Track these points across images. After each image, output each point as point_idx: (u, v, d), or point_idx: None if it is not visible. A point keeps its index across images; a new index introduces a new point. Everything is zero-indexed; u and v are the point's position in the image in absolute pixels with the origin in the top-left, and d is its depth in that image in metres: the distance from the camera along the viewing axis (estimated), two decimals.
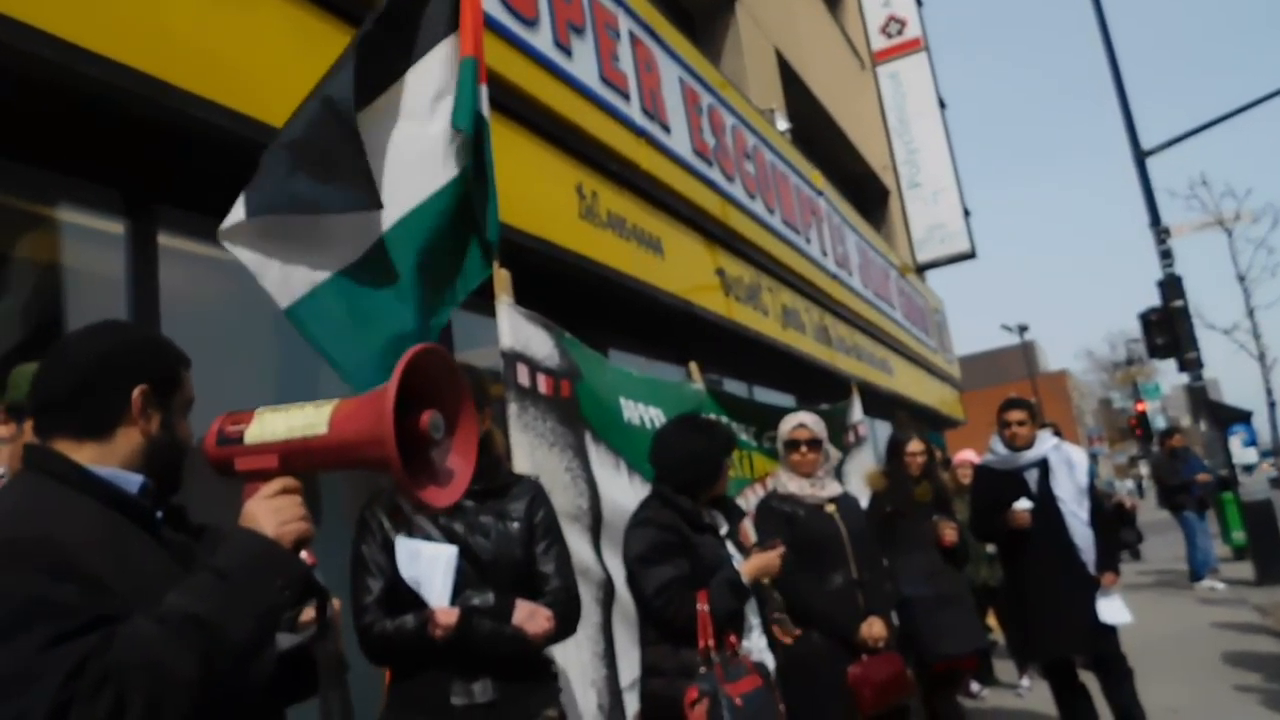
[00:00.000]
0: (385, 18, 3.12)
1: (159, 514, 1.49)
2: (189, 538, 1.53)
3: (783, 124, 10.46)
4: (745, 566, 3.18)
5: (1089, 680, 4.68)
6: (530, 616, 2.37)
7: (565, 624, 2.52)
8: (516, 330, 3.38)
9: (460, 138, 3.14)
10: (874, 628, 3.81)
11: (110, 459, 1.43)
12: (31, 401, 1.49)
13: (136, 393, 1.45)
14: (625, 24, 6.45)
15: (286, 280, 2.96)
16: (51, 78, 2.77)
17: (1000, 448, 4.86)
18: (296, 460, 1.42)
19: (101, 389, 1.44)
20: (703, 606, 3.02)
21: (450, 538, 2.42)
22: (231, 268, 3.85)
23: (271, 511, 1.38)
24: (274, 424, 1.43)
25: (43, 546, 1.25)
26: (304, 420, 1.41)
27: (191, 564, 1.39)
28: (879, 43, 18.41)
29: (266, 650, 1.50)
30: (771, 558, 3.22)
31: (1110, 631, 4.54)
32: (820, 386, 9.42)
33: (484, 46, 3.32)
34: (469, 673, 2.33)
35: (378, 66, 3.09)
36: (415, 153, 3.14)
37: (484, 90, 3.20)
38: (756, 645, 3.25)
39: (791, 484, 4.06)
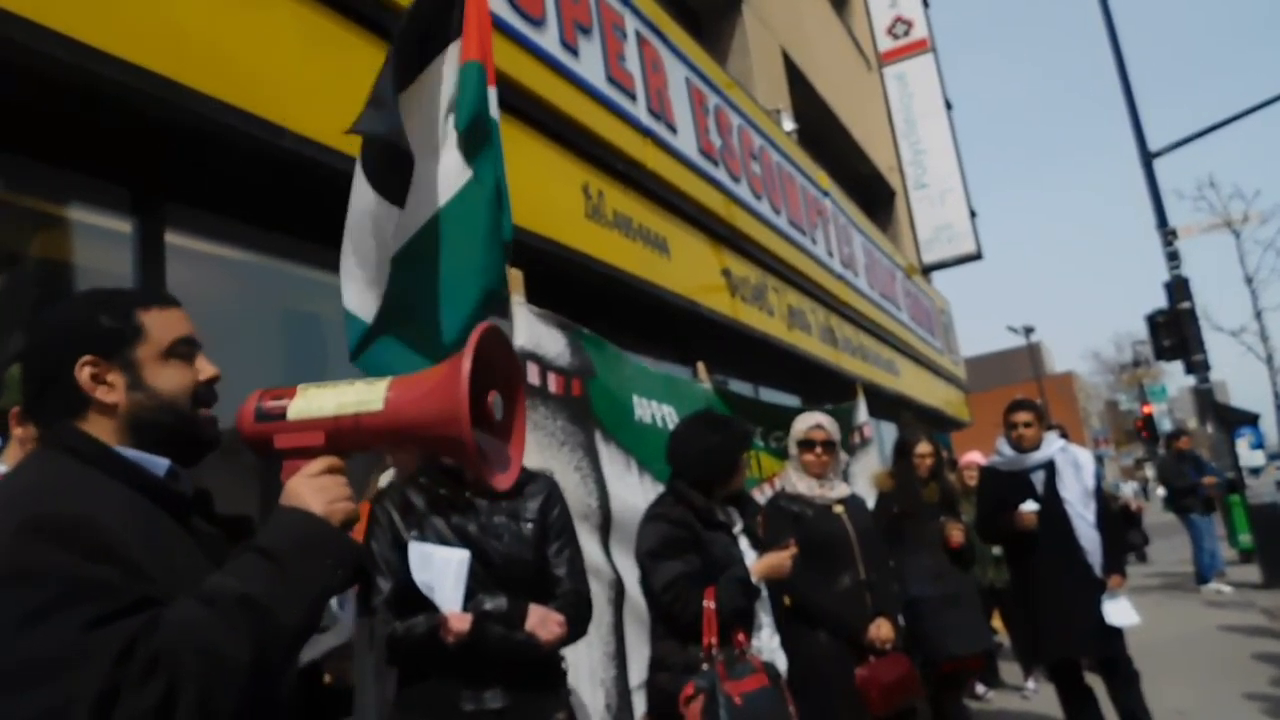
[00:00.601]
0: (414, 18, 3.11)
1: (188, 500, 1.39)
2: (219, 531, 1.44)
3: (789, 124, 10.45)
4: (756, 566, 3.18)
5: (1095, 683, 4.67)
6: (542, 622, 2.35)
7: (576, 627, 2.50)
8: (529, 329, 3.39)
9: (461, 140, 3.13)
10: (882, 629, 3.81)
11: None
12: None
13: (80, 371, 1.32)
14: (632, 24, 6.44)
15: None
16: (62, 76, 2.77)
17: (1007, 449, 4.85)
18: (344, 438, 1.36)
19: (50, 378, 1.34)
20: (709, 603, 3.02)
21: (463, 538, 2.40)
22: (239, 267, 3.87)
23: (319, 489, 1.31)
24: (321, 400, 1.37)
25: (78, 524, 1.16)
26: (356, 397, 1.36)
27: (222, 560, 1.28)
28: (885, 44, 18.38)
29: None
30: (783, 557, 3.22)
31: (1117, 634, 4.53)
32: (826, 387, 9.40)
33: (491, 48, 3.32)
34: (479, 678, 2.31)
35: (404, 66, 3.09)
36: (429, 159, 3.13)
37: (493, 93, 3.19)
38: (767, 645, 3.25)
39: (800, 484, 4.06)
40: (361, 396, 1.36)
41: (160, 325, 1.39)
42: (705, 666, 2.95)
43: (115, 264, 3.34)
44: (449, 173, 3.01)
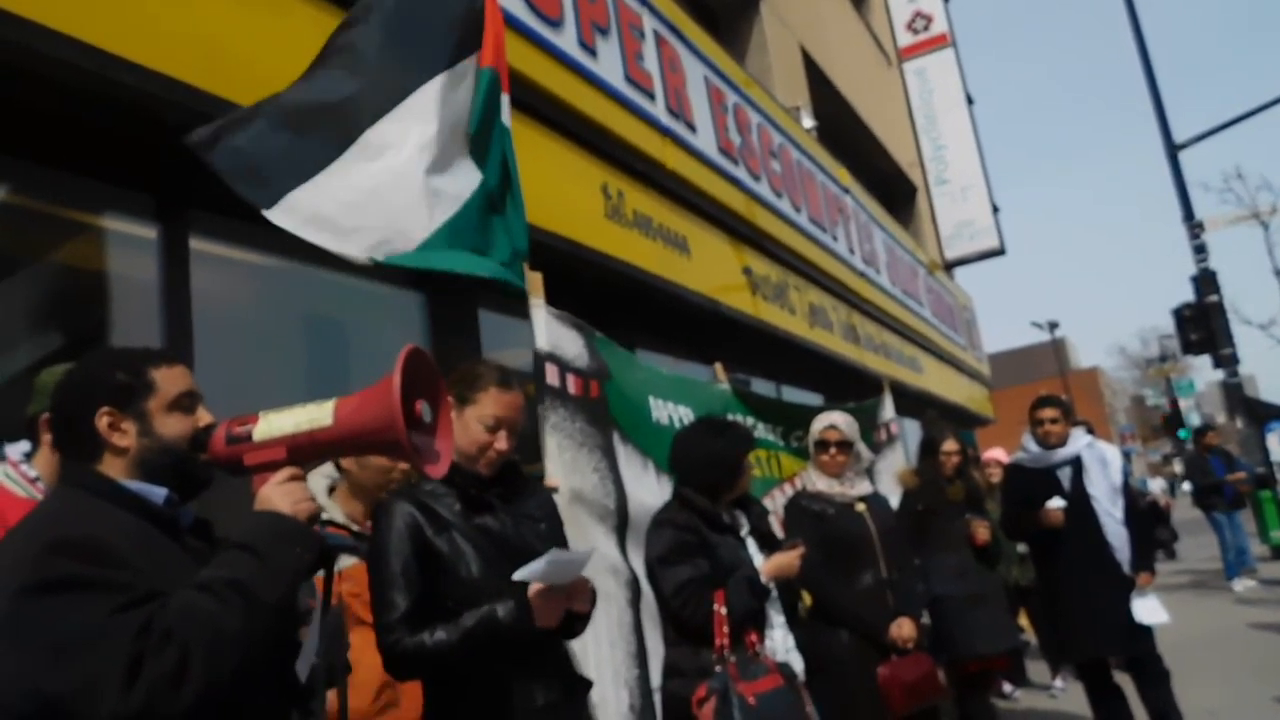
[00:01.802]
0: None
1: (185, 524, 1.66)
2: (209, 547, 1.66)
3: (809, 121, 10.41)
4: (765, 566, 3.17)
5: (1124, 682, 4.62)
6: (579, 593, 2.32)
7: (583, 623, 2.48)
8: (549, 331, 3.39)
9: (470, 142, 3.15)
10: (904, 628, 3.79)
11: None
12: None
13: (99, 419, 1.58)
14: (650, 23, 6.44)
15: (361, 233, 2.96)
16: (85, 85, 2.80)
17: (1033, 446, 4.80)
18: (302, 451, 1.62)
19: (74, 423, 1.60)
20: (719, 607, 3.02)
21: (490, 537, 2.38)
22: (261, 271, 3.90)
23: (285, 494, 1.58)
24: (280, 421, 1.61)
25: (92, 541, 1.43)
26: (308, 416, 1.61)
27: None
28: (905, 39, 18.25)
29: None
30: (791, 557, 3.20)
31: (1146, 632, 4.47)
32: (849, 385, 9.36)
33: (507, 48, 3.33)
34: (529, 676, 2.26)
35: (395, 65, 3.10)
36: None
37: (506, 99, 3.20)
38: (781, 645, 3.24)
39: (820, 482, 4.05)
40: (313, 415, 1.62)
41: (168, 381, 1.66)
42: (718, 669, 2.94)
43: (141, 270, 3.38)
44: (464, 172, 3.06)
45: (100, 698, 1.29)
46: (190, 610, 1.40)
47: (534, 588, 2.19)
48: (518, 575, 2.17)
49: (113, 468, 1.59)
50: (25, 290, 3.16)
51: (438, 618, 2.24)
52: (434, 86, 3.16)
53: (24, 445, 2.29)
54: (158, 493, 1.61)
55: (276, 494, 1.59)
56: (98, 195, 3.29)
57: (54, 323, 3.20)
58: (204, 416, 1.68)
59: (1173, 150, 13.02)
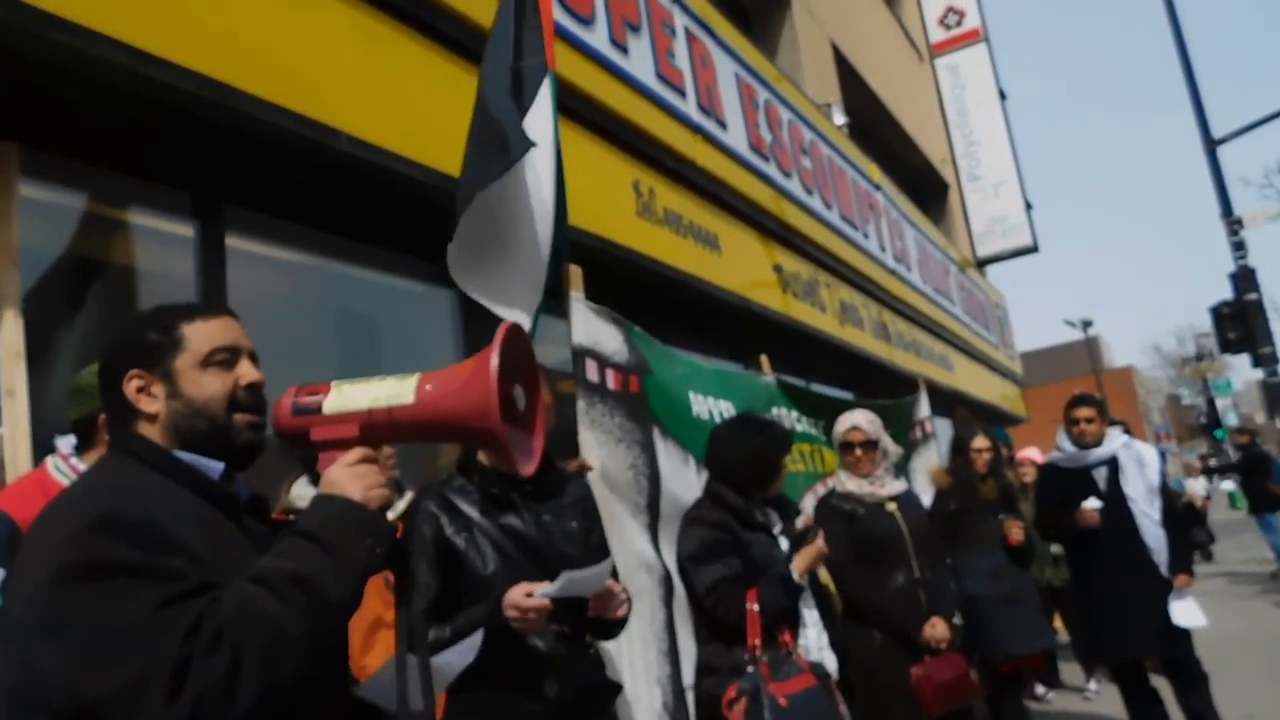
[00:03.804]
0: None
1: (244, 500, 1.49)
2: (270, 529, 1.50)
3: (840, 118, 10.34)
4: (795, 562, 3.16)
5: (1161, 684, 4.56)
6: (607, 601, 2.33)
7: (620, 624, 2.48)
8: (587, 326, 3.39)
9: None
10: (937, 628, 3.76)
11: None
12: None
13: (128, 384, 1.42)
14: (681, 20, 6.43)
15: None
16: (123, 83, 2.84)
17: (1068, 445, 4.75)
18: (377, 431, 1.43)
19: (109, 389, 1.45)
20: (752, 605, 3.01)
21: (515, 538, 2.39)
22: (297, 269, 3.93)
23: (356, 477, 1.39)
24: (355, 395, 1.44)
25: (142, 520, 1.26)
26: (386, 391, 1.43)
27: None
28: (937, 34, 18.07)
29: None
30: (818, 546, 3.18)
31: (1184, 634, 4.41)
32: (879, 383, 9.30)
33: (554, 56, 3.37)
34: (538, 677, 2.28)
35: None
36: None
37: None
38: (815, 644, 3.22)
39: (850, 483, 4.03)
40: (393, 391, 1.43)
41: (200, 335, 1.46)
42: (750, 669, 2.93)
43: (179, 267, 3.42)
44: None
45: (141, 706, 1.14)
46: (246, 608, 1.22)
47: (514, 593, 2.19)
48: (536, 594, 2.17)
49: (149, 436, 1.42)
50: (66, 287, 3.21)
51: (454, 613, 2.28)
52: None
53: (72, 439, 2.33)
54: (214, 466, 1.43)
55: (346, 476, 1.39)
56: (137, 193, 3.33)
57: (95, 320, 3.25)
58: (249, 373, 1.48)
59: (1211, 145, 12.81)
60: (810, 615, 3.28)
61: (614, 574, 2.51)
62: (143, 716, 1.14)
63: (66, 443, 2.30)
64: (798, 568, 3.14)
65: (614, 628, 2.47)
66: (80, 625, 1.17)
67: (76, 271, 3.25)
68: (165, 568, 1.23)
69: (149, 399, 1.42)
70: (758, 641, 2.97)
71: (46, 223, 3.08)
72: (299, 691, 1.27)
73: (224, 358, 1.47)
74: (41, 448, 2.45)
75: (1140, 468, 4.55)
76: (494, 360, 1.39)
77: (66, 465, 2.26)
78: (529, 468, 1.54)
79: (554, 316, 3.41)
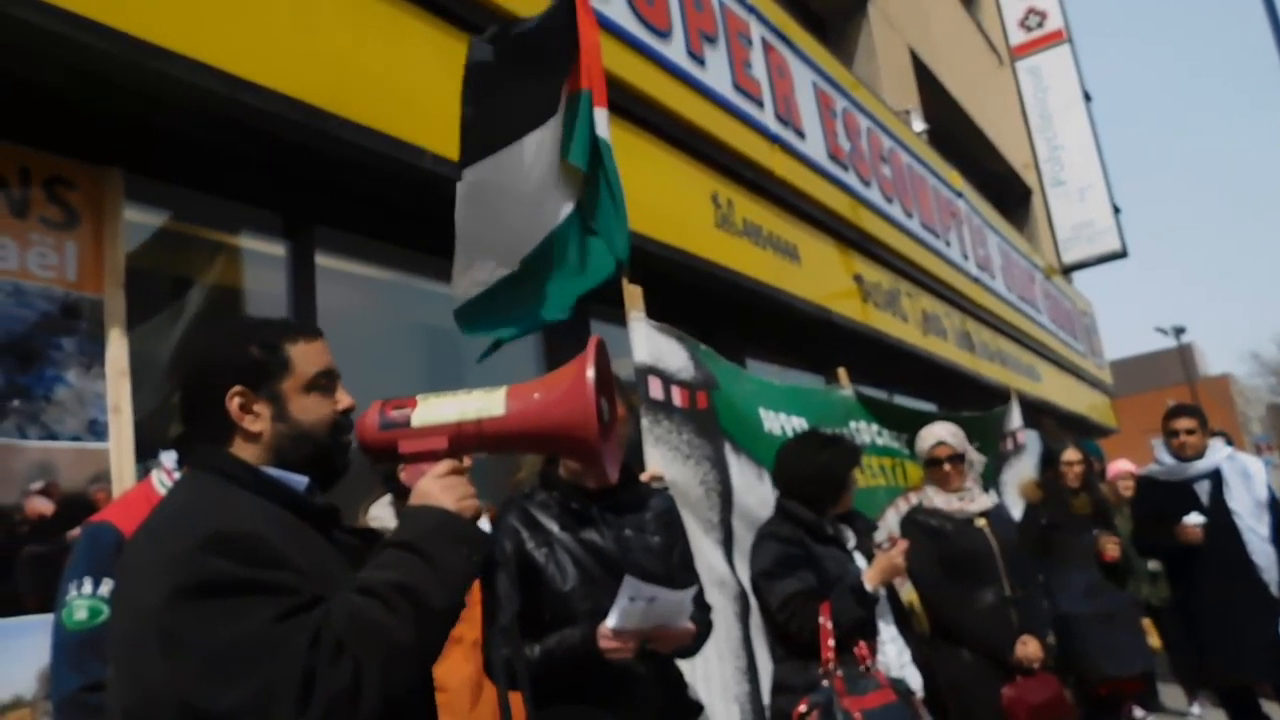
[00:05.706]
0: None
1: (328, 513, 1.49)
2: (359, 542, 1.52)
3: (919, 125, 10.18)
4: (869, 572, 3.09)
5: (1274, 711, 4.34)
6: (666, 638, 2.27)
7: (699, 643, 2.44)
8: (649, 344, 3.37)
9: (573, 171, 3.17)
10: (1029, 647, 3.65)
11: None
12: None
13: (230, 400, 1.41)
14: (757, 31, 6.41)
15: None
16: (218, 109, 2.94)
17: (1167, 457, 4.57)
18: (467, 442, 1.46)
19: (202, 403, 1.43)
20: (825, 620, 2.95)
21: (595, 553, 2.36)
22: (384, 286, 4.02)
23: (448, 488, 1.42)
24: (442, 408, 1.46)
25: (252, 537, 1.27)
26: (475, 404, 1.45)
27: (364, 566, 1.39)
28: (1018, 37, 17.68)
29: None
30: (893, 556, 3.12)
31: None
32: (963, 394, 9.10)
33: (617, 61, 3.34)
34: (623, 700, 2.24)
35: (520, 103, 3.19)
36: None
37: (601, 114, 3.19)
38: (895, 661, 3.15)
39: (938, 498, 3.94)
40: (482, 403, 1.45)
41: (304, 358, 1.48)
42: (824, 683, 2.87)
43: (271, 285, 3.52)
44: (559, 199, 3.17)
45: (272, 718, 1.15)
46: (359, 619, 1.24)
47: (608, 624, 2.16)
48: (607, 625, 2.15)
49: (243, 453, 1.42)
50: (167, 306, 3.33)
51: (539, 630, 2.26)
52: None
53: (175, 454, 2.40)
54: (299, 480, 1.44)
55: (438, 488, 1.41)
56: (231, 214, 3.44)
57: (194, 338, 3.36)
58: (344, 399, 1.51)
59: None
60: (888, 631, 3.21)
61: (700, 593, 2.47)
62: None
63: (170, 458, 2.36)
64: (871, 579, 3.07)
65: (691, 646, 2.44)
66: (201, 643, 1.17)
67: (176, 291, 3.36)
68: (277, 582, 1.24)
69: (253, 418, 1.43)
70: (831, 655, 2.91)
71: (148, 244, 3.20)
72: (402, 700, 1.29)
73: (325, 383, 1.49)
74: (146, 462, 2.53)
75: (1246, 481, 4.36)
76: (590, 371, 1.42)
77: (170, 480, 2.33)
78: (613, 477, 1.58)
79: (613, 325, 3.42)
